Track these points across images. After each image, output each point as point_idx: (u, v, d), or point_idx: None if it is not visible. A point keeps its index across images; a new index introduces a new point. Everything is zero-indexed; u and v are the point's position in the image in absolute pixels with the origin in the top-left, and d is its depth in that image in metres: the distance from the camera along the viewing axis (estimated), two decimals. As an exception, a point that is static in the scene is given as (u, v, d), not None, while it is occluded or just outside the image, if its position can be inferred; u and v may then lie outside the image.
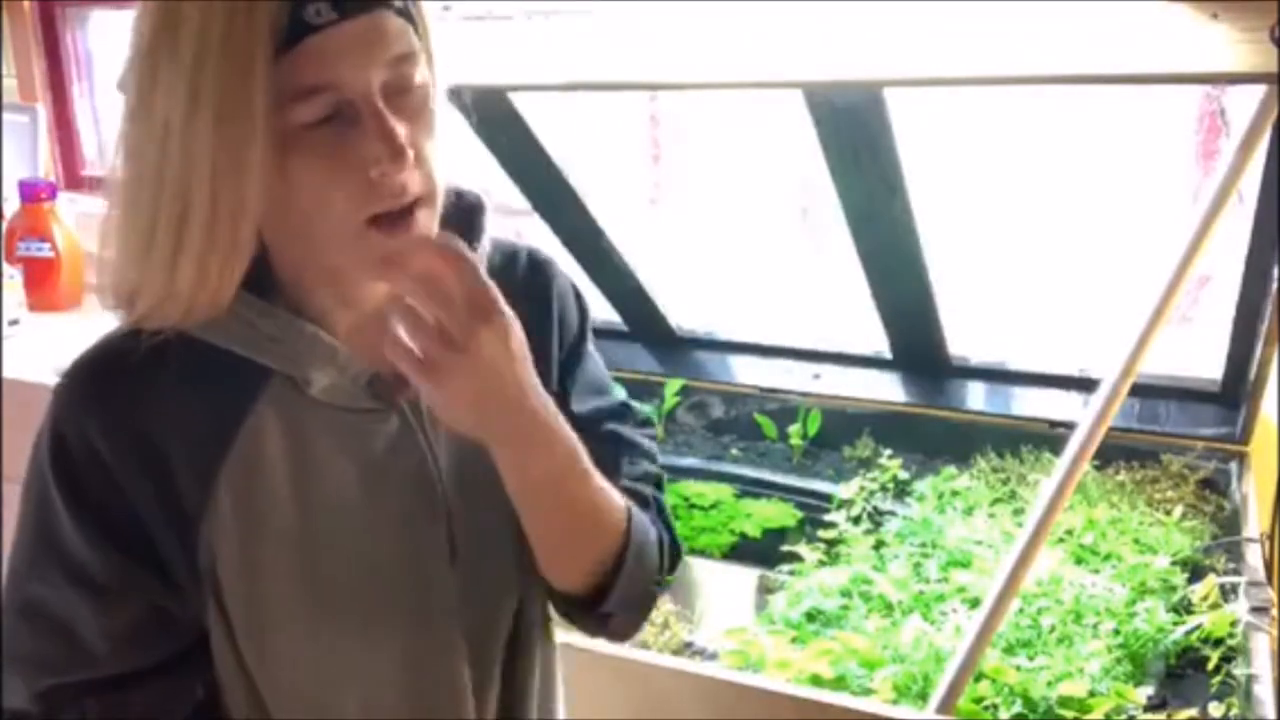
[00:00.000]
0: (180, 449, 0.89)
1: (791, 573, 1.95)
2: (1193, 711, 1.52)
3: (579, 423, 1.05)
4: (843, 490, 2.18)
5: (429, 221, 0.86)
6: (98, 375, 0.91)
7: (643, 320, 2.48)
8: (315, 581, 0.93)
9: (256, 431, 0.91)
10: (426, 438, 0.97)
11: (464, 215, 1.01)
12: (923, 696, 1.54)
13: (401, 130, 0.81)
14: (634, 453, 1.10)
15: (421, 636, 0.97)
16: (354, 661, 0.95)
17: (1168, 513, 1.96)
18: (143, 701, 0.94)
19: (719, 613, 1.97)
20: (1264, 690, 1.46)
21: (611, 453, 1.07)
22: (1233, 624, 1.61)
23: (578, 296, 1.11)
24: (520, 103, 1.99)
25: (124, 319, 0.89)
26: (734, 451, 2.42)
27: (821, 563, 1.95)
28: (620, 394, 1.15)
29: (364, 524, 0.94)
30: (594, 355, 1.12)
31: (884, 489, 2.18)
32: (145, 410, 0.89)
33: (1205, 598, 1.67)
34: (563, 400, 1.06)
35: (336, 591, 0.94)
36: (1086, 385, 2.09)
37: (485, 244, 1.01)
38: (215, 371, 0.90)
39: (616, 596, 0.99)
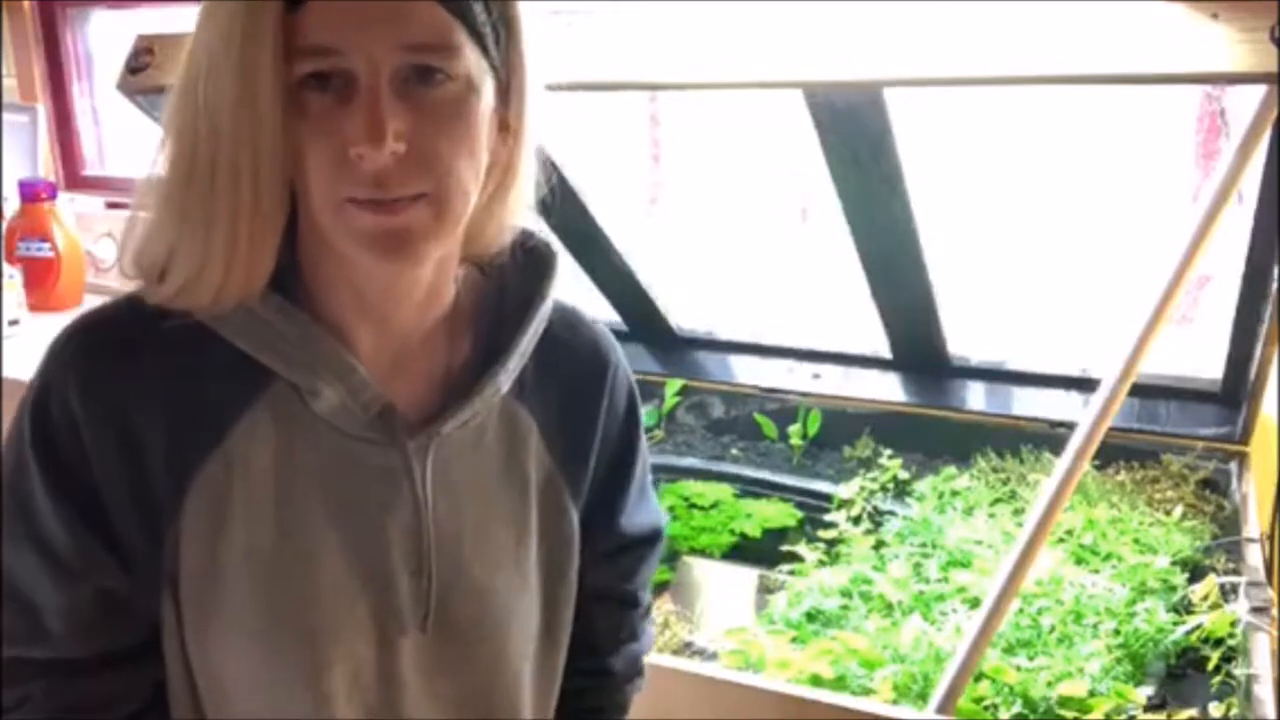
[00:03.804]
0: (161, 437, 0.84)
1: (791, 573, 1.95)
2: (1193, 711, 1.52)
3: (620, 542, 1.07)
4: (843, 490, 2.18)
5: (431, 224, 0.80)
6: (91, 336, 0.86)
7: (643, 320, 2.48)
8: (275, 607, 0.87)
9: (247, 437, 0.86)
10: (426, 487, 0.90)
11: (531, 267, 0.96)
12: (923, 696, 1.54)
13: (398, 120, 0.77)
14: (646, 585, 1.14)
15: (373, 697, 0.90)
16: (299, 698, 0.88)
17: (1168, 513, 1.96)
18: (91, 691, 0.89)
19: (719, 613, 1.97)
20: (1264, 690, 1.46)
21: (635, 578, 1.11)
22: (1233, 624, 1.61)
23: (631, 396, 1.04)
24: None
25: (150, 296, 0.84)
26: (734, 451, 2.41)
27: (821, 563, 1.95)
28: (657, 514, 1.12)
29: (339, 559, 0.88)
30: (643, 463, 1.08)
31: (884, 489, 2.18)
32: (132, 386, 0.84)
33: (1205, 598, 1.67)
34: (607, 511, 1.04)
35: (295, 622, 0.87)
36: (1086, 385, 2.09)
37: (549, 303, 0.95)
38: (217, 365, 0.86)
39: None
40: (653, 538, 1.11)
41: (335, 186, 0.79)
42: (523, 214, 0.93)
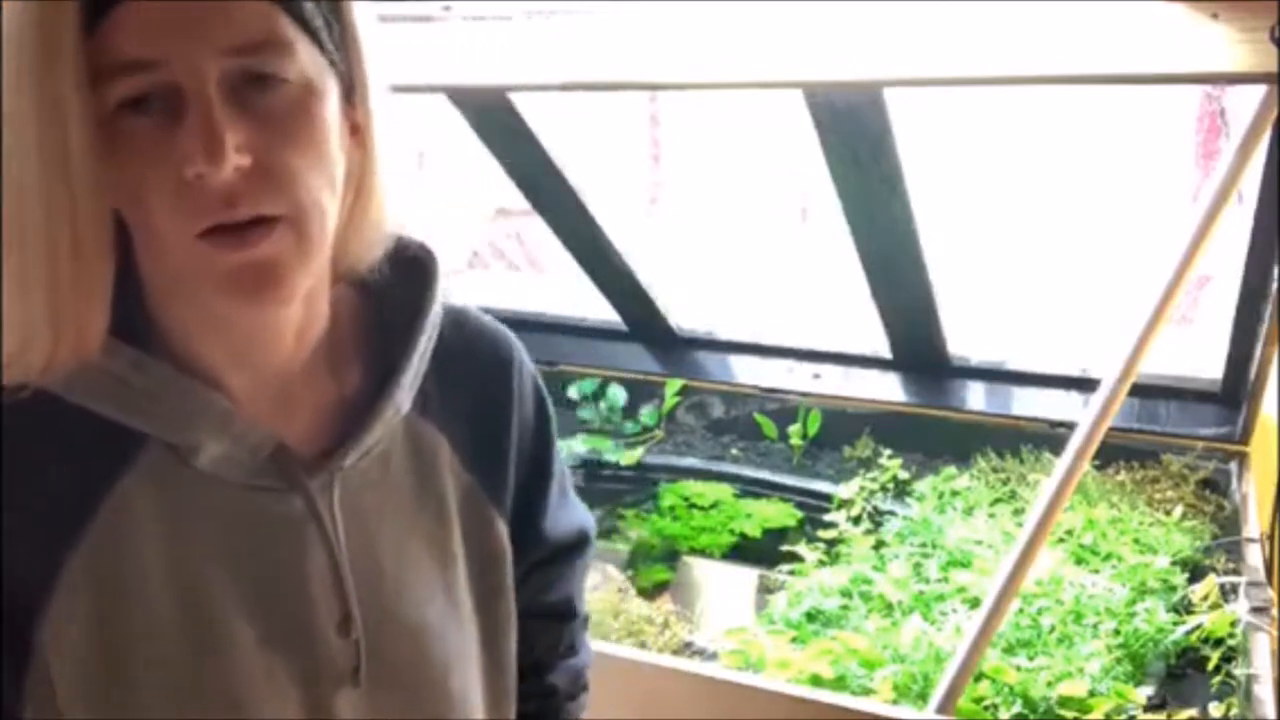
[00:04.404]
0: (21, 526, 0.73)
1: (791, 573, 1.95)
2: (1193, 711, 1.52)
3: (547, 550, 0.98)
4: (843, 490, 2.18)
5: (294, 251, 0.71)
6: None
7: (643, 320, 2.48)
8: (187, 696, 0.76)
9: (123, 510, 0.75)
10: (337, 527, 0.80)
11: (412, 276, 0.86)
12: (923, 696, 1.54)
13: (237, 130, 0.67)
14: (580, 593, 1.04)
15: None
16: None
17: (1168, 513, 1.96)
18: None
19: (719, 613, 1.97)
20: (1264, 690, 1.46)
21: (566, 587, 1.01)
22: (1233, 624, 1.61)
23: (539, 390, 0.96)
24: (520, 103, 1.99)
25: None
26: (734, 451, 2.42)
27: (821, 563, 1.95)
28: (583, 516, 1.02)
29: (253, 625, 0.78)
30: (559, 461, 0.98)
31: (884, 489, 2.18)
32: None
33: (1205, 598, 1.67)
34: (528, 518, 0.95)
35: (213, 707, 0.77)
36: (1086, 385, 2.09)
37: (436, 310, 0.87)
38: (77, 437, 0.75)
39: None
40: (581, 541, 1.01)
41: (182, 222, 0.68)
42: (391, 223, 0.83)
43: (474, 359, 0.91)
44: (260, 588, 0.79)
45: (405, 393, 0.84)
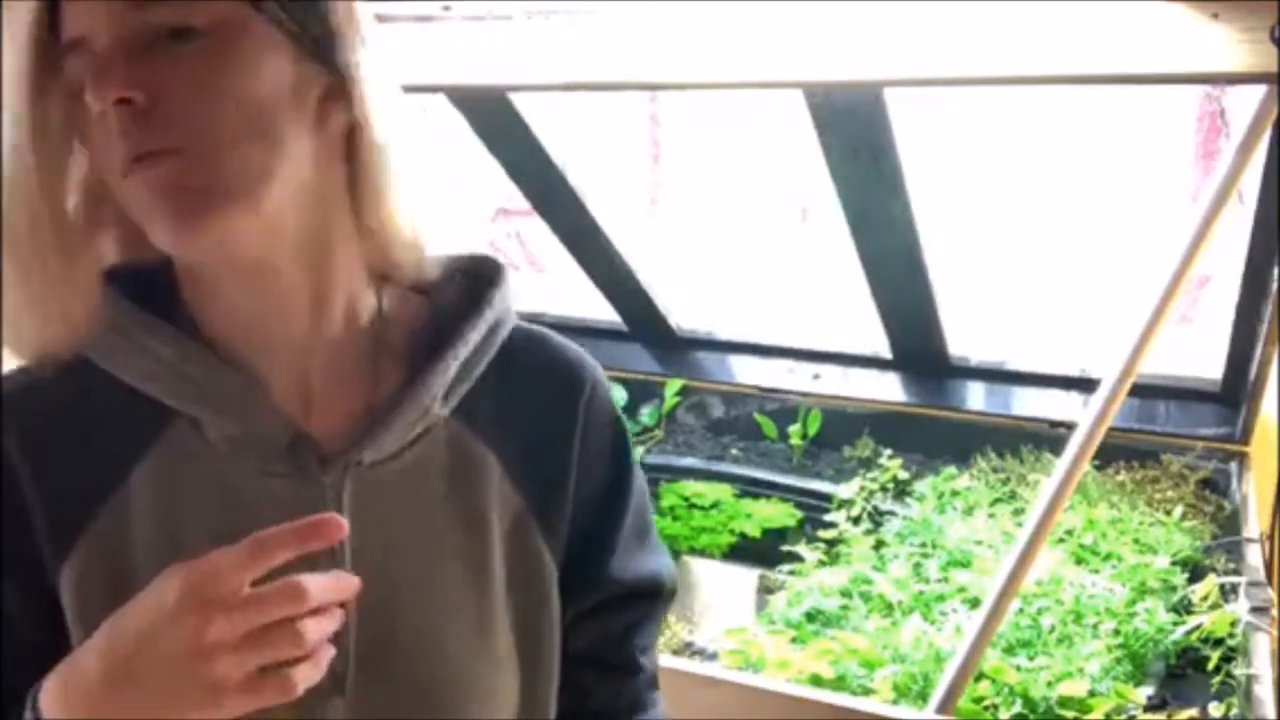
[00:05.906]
0: (48, 494, 0.77)
1: (791, 573, 1.95)
2: (1193, 711, 1.53)
3: (612, 594, 0.90)
4: (843, 490, 2.18)
5: (191, 176, 0.72)
6: None
7: (643, 320, 2.48)
8: None
9: (143, 483, 0.78)
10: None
11: (469, 287, 0.86)
12: (923, 696, 1.54)
13: (134, 68, 0.69)
14: (648, 648, 0.95)
15: None
16: None
17: (1168, 513, 1.96)
18: None
19: (719, 613, 1.97)
20: (1264, 690, 1.46)
21: (632, 638, 0.92)
22: (1233, 624, 1.61)
23: (615, 424, 0.91)
24: (520, 103, 1.99)
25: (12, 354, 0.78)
26: (734, 451, 2.42)
27: (821, 563, 1.95)
28: (660, 564, 0.93)
29: None
30: (636, 500, 0.92)
31: (884, 489, 2.19)
32: (21, 441, 0.77)
33: (1205, 598, 1.67)
34: (592, 556, 0.89)
35: None
36: (1086, 385, 2.09)
37: (485, 321, 0.85)
38: (108, 408, 0.78)
39: None
40: (651, 590, 0.92)
41: (110, 169, 0.72)
42: (425, 227, 0.83)
43: (541, 383, 0.88)
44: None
45: (436, 398, 0.81)
